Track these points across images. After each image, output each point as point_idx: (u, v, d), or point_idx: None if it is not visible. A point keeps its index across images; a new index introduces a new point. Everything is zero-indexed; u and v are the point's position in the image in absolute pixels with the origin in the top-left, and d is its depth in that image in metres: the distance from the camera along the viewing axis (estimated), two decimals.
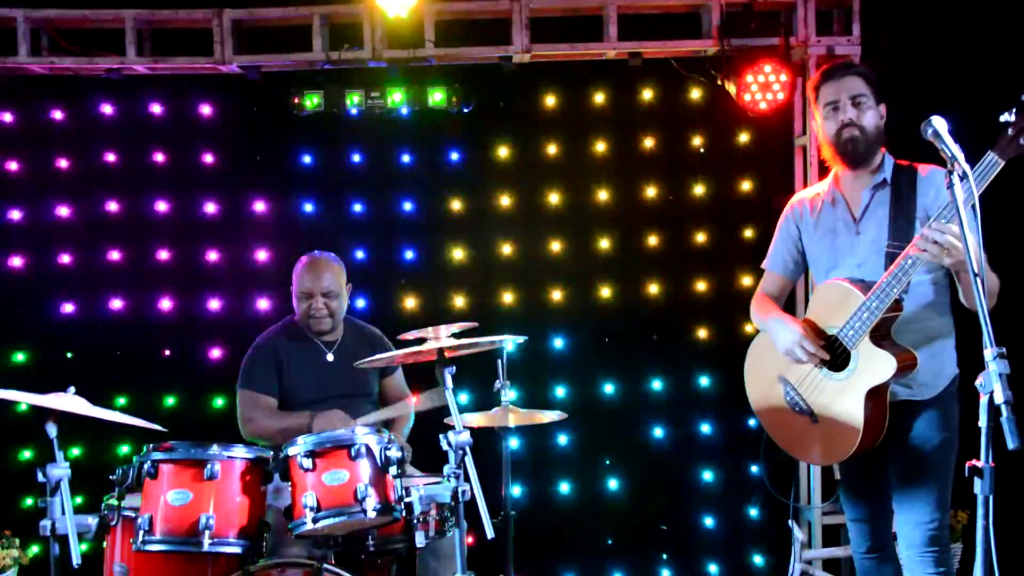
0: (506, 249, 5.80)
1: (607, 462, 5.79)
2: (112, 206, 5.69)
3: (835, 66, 3.84)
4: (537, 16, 5.46)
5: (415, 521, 3.74)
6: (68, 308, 5.68)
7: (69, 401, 3.62)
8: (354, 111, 5.45)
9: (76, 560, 3.33)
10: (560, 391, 5.75)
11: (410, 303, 5.77)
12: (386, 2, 5.14)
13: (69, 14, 5.41)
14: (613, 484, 5.77)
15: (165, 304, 5.70)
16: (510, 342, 3.93)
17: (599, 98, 5.77)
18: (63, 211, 5.67)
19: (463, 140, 5.75)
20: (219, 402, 5.63)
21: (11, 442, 5.62)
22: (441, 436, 3.56)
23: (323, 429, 4.17)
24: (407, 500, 3.63)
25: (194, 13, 5.42)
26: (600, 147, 5.79)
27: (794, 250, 3.99)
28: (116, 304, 5.69)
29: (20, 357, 5.66)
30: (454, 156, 5.77)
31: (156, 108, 5.69)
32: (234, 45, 5.39)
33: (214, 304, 5.70)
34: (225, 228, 5.73)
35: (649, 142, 5.78)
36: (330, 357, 4.74)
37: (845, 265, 3.76)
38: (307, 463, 3.60)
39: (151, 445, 3.70)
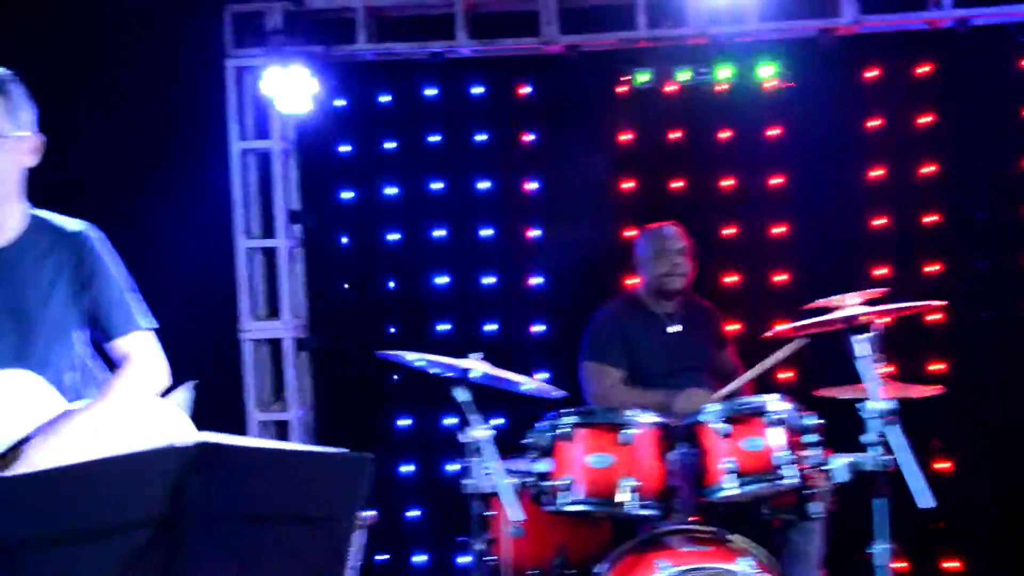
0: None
1: None
2: (436, 185, 5.88)
3: None
4: None
5: (810, 491, 3.75)
6: (391, 284, 5.91)
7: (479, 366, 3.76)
8: (672, 89, 5.48)
9: (519, 515, 3.45)
10: (933, 367, 5.57)
11: (779, 278, 5.72)
12: None
13: (402, 2, 5.62)
14: None
15: (489, 280, 5.87)
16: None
17: (924, 69, 5.62)
18: (391, 191, 5.90)
19: (782, 115, 5.69)
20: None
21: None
22: (859, 405, 3.54)
23: (685, 409, 4.20)
24: (826, 468, 3.63)
25: None
26: (925, 119, 5.63)
27: None
28: (442, 280, 5.88)
29: (350, 331, 5.92)
30: (771, 132, 5.72)
31: (478, 90, 5.85)
32: (560, 26, 5.49)
33: (535, 280, 5.83)
34: (546, 206, 5.84)
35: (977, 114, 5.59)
36: (673, 328, 4.79)
37: None
38: (725, 428, 3.66)
39: (564, 410, 3.82)
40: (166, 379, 2.99)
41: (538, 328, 5.83)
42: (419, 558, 5.83)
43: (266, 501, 1.82)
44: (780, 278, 5.73)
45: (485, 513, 3.72)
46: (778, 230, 5.74)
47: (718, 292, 5.62)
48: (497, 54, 5.67)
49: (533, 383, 3.91)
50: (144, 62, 5.50)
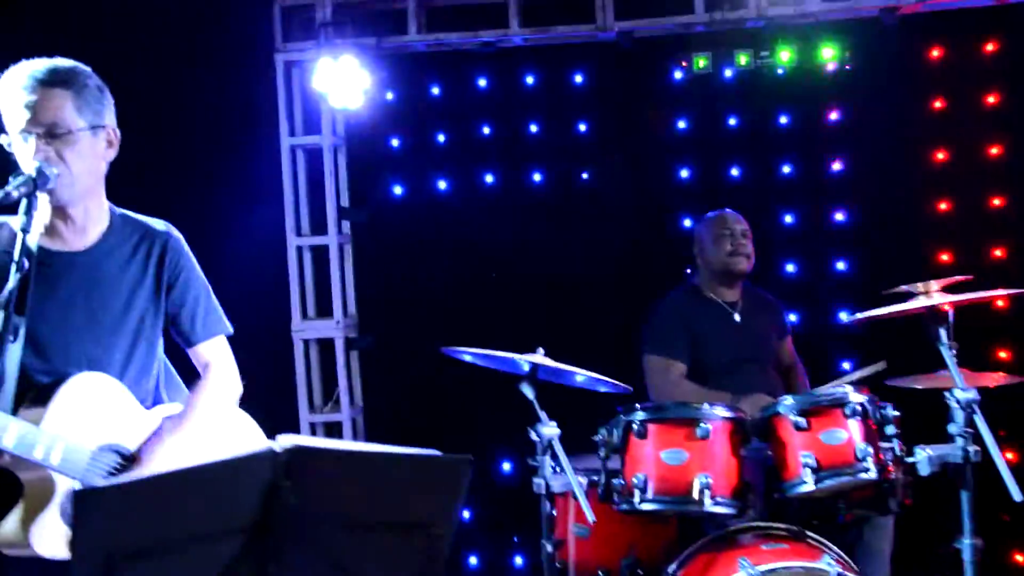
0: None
1: None
2: (488, 178, 5.78)
3: None
4: None
5: (890, 485, 3.61)
6: (443, 280, 5.82)
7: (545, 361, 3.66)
8: (729, 73, 5.37)
9: (591, 516, 3.34)
10: (1003, 353, 5.40)
11: (841, 265, 5.57)
12: None
13: None
14: None
15: (543, 273, 5.73)
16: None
17: (990, 47, 5.45)
18: (442, 184, 5.81)
19: (844, 97, 5.54)
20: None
21: None
22: (947, 393, 3.39)
23: (751, 414, 4.05)
24: (910, 460, 3.49)
25: None
26: (991, 99, 5.46)
27: None
28: (495, 274, 5.79)
29: (403, 328, 5.84)
30: (833, 116, 5.57)
31: (530, 79, 5.75)
32: (615, 11, 5.37)
33: (590, 273, 5.71)
34: (600, 197, 5.72)
35: None
36: (737, 317, 4.67)
37: None
38: (801, 422, 3.53)
39: (633, 405, 3.70)
40: (240, 385, 2.96)
41: (592, 322, 5.70)
42: (472, 559, 5.75)
43: (361, 506, 1.75)
44: (841, 265, 5.58)
45: (552, 513, 3.61)
46: (840, 216, 5.58)
47: (778, 281, 5.49)
48: (550, 42, 5.56)
49: (601, 378, 3.80)
50: (192, 58, 5.46)
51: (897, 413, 3.56)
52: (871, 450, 3.45)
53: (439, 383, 5.72)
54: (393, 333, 5.83)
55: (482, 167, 5.79)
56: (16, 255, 2.32)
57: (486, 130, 5.79)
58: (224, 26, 5.52)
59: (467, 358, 3.77)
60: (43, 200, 2.55)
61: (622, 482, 3.61)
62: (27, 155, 2.55)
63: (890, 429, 3.52)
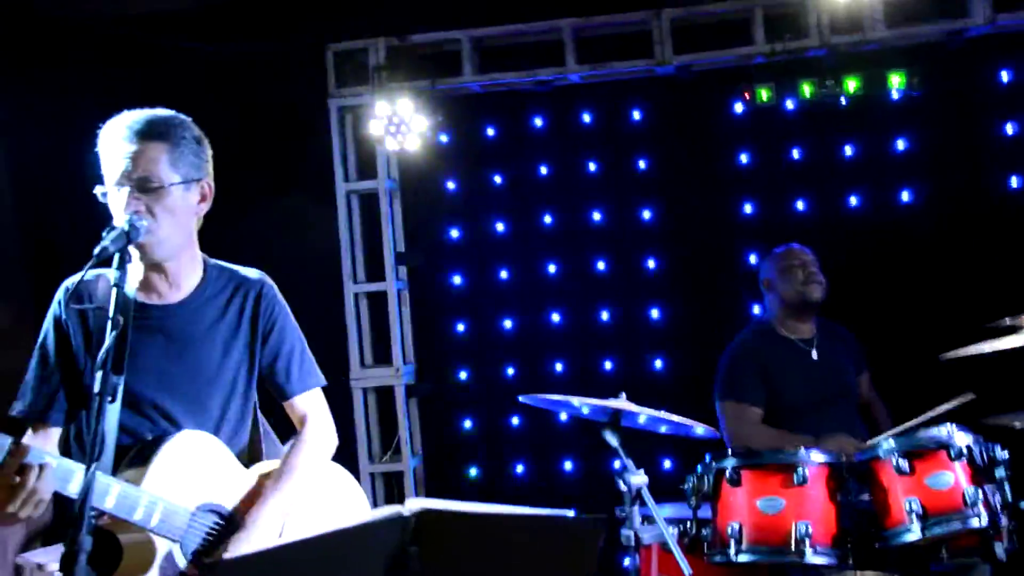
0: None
1: None
2: (547, 219, 5.67)
3: None
4: None
5: (998, 531, 3.41)
6: (508, 323, 5.69)
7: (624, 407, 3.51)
8: (792, 105, 5.25)
9: (687, 570, 3.18)
10: None
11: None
12: None
13: (506, 30, 5.42)
14: None
15: (604, 315, 5.62)
16: None
17: None
18: (500, 226, 5.70)
19: (912, 125, 5.38)
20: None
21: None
22: None
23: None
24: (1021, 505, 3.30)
25: (630, 16, 5.32)
26: None
27: None
28: (556, 317, 5.65)
29: (463, 375, 5.72)
30: (900, 144, 5.41)
31: (587, 116, 5.64)
32: (673, 45, 5.26)
33: (655, 312, 5.57)
34: (662, 234, 5.60)
35: None
36: (814, 355, 4.50)
37: None
38: (905, 465, 3.35)
39: (728, 450, 3.55)
40: (336, 438, 2.86)
41: (660, 363, 5.55)
42: None
43: (491, 571, 1.60)
44: (914, 298, 5.38)
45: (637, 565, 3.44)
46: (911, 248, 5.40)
47: (849, 316, 5.31)
48: (606, 79, 5.46)
49: (691, 423, 3.64)
50: (248, 107, 5.44)
51: (1006, 454, 3.37)
52: (980, 495, 3.27)
53: (501, 431, 5.62)
54: (453, 380, 5.71)
55: (540, 207, 5.67)
56: (111, 311, 2.22)
57: (543, 170, 5.68)
58: (277, 73, 5.48)
59: (549, 403, 3.63)
60: (136, 254, 2.48)
61: (714, 532, 3.44)
62: (119, 207, 2.49)
63: (1000, 472, 3.33)
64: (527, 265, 5.68)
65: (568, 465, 5.59)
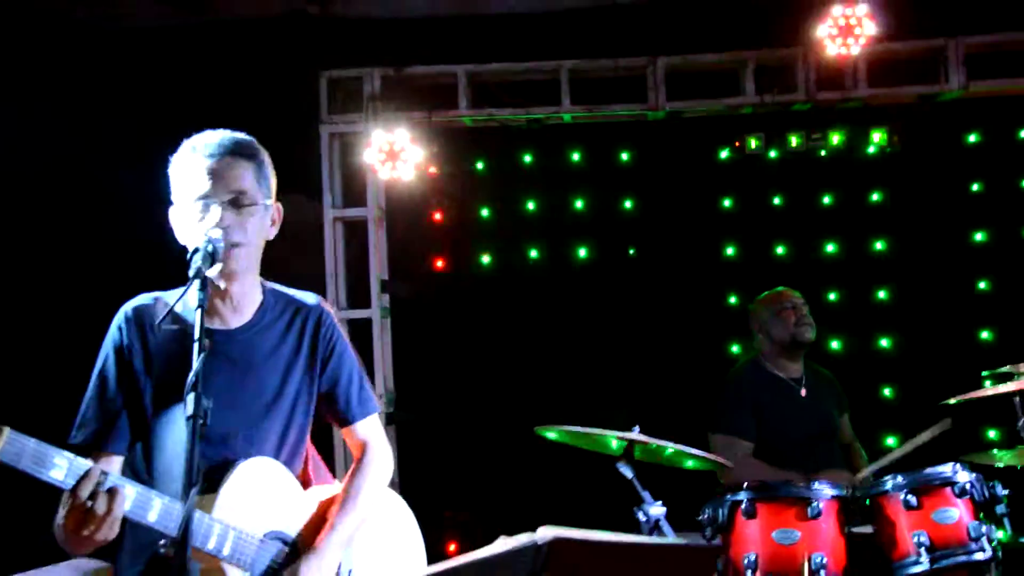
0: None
1: None
2: (533, 253, 5.76)
3: None
4: (972, 53, 5.33)
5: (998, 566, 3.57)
6: (491, 353, 5.74)
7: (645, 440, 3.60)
8: (775, 154, 5.46)
9: None
10: None
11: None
12: (829, 44, 5.08)
13: (508, 68, 5.51)
14: None
15: (585, 350, 5.70)
16: None
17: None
18: (485, 258, 5.77)
19: (887, 180, 5.64)
20: None
21: None
22: None
23: None
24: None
25: (628, 61, 5.45)
26: None
27: None
28: (538, 351, 5.72)
29: (443, 404, 5.74)
30: (875, 196, 5.66)
31: (575, 155, 5.76)
32: (666, 92, 5.42)
33: (630, 356, 5.69)
34: (646, 274, 5.73)
35: None
36: (803, 392, 4.66)
37: None
38: (913, 500, 3.48)
39: (743, 484, 3.63)
40: (393, 464, 2.84)
41: (648, 398, 5.64)
42: None
43: None
44: (884, 343, 5.62)
45: None
46: (883, 294, 5.64)
47: (822, 358, 5.50)
48: (595, 120, 5.58)
49: (706, 456, 3.73)
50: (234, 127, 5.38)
51: (1006, 491, 3.53)
52: (984, 529, 3.42)
53: (481, 459, 5.64)
54: (432, 409, 5.73)
55: (527, 242, 5.78)
56: (197, 333, 2.16)
57: (530, 205, 5.78)
58: (268, 96, 5.46)
59: (553, 436, 3.69)
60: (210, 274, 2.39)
61: (728, 563, 3.52)
62: (206, 224, 2.44)
63: (1000, 508, 3.49)
64: (509, 299, 5.76)
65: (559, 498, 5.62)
